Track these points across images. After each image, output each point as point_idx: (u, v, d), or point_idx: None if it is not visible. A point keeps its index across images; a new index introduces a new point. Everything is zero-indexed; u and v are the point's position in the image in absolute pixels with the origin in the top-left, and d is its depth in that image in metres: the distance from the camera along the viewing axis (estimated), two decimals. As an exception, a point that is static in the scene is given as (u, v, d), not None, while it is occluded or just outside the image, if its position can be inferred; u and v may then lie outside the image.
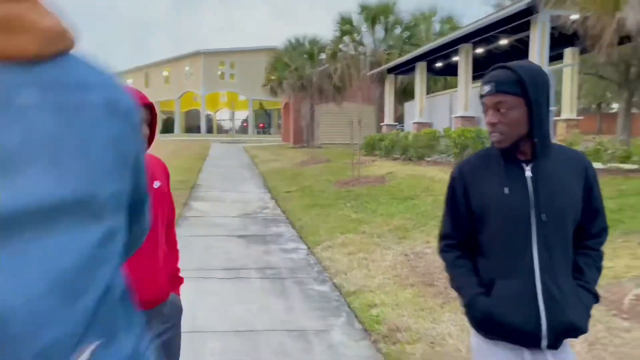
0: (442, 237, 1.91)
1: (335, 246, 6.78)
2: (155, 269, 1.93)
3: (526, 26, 12.83)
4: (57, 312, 0.67)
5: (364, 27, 24.77)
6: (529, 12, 11.67)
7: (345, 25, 24.63)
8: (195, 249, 6.65)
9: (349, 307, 4.65)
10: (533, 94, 1.65)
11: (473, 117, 15.85)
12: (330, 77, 25.56)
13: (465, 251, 1.86)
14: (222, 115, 70.66)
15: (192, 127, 58.32)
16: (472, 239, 1.85)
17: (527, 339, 1.67)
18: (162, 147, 25.54)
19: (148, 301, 1.87)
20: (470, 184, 1.80)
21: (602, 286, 1.53)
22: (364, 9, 24.13)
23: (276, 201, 11.17)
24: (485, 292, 1.77)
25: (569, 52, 14.73)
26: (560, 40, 13.06)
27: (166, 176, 2.08)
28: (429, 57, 18.37)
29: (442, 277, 5.24)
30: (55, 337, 0.66)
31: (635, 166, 10.30)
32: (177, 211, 3.01)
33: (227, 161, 20.64)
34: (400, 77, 23.48)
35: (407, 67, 20.36)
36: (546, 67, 11.64)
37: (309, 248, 6.94)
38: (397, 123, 23.65)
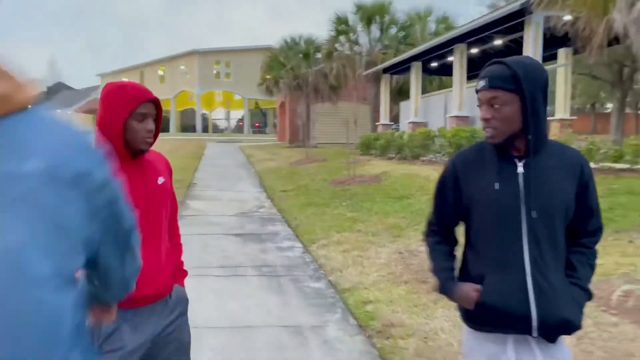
0: (429, 223, 1.96)
1: (331, 244, 6.87)
2: (157, 265, 1.95)
3: (520, 27, 12.95)
4: None
5: (359, 27, 24.79)
6: (522, 13, 11.79)
7: (341, 25, 24.67)
8: (192, 247, 6.72)
9: (344, 303, 4.74)
10: (528, 90, 1.63)
11: (467, 117, 15.96)
12: (325, 77, 25.61)
13: (446, 238, 1.91)
14: (217, 115, 70.62)
15: (187, 127, 58.27)
16: (452, 231, 1.92)
17: (517, 324, 1.66)
18: (158, 146, 25.33)
19: (149, 296, 1.91)
20: (462, 177, 1.80)
21: (592, 283, 1.59)
22: (359, 8, 24.17)
23: (272, 200, 11.25)
24: (457, 277, 1.84)
25: (562, 53, 14.85)
26: (554, 40, 13.17)
27: (169, 172, 2.10)
28: (424, 57, 18.47)
29: (435, 274, 5.33)
30: None
31: (627, 165, 10.44)
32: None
33: (223, 160, 20.69)
34: (395, 76, 23.57)
35: (402, 67, 20.46)
36: (539, 68, 11.74)
37: (304, 246, 7.03)
38: (392, 123, 23.73)
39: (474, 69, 18.21)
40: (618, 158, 10.59)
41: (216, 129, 66.86)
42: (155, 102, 1.92)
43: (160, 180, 2.00)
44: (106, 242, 0.94)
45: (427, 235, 1.96)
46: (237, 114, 67.24)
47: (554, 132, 13.86)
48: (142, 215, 1.85)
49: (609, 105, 42.69)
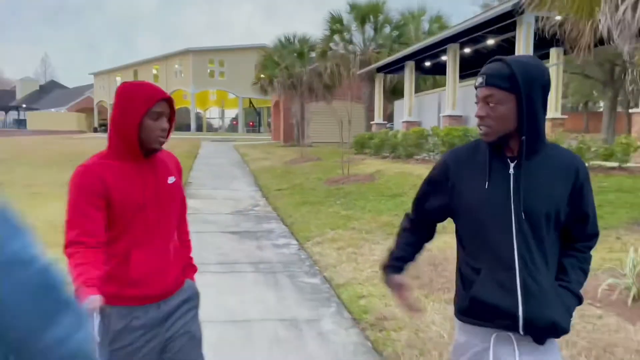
0: (411, 209, 1.99)
1: (325, 241, 6.99)
2: (165, 263, 1.97)
3: (512, 26, 13.12)
4: None
5: (353, 26, 24.91)
6: (514, 13, 11.94)
7: (335, 24, 24.78)
8: (189, 244, 6.83)
9: (339, 298, 4.87)
10: (525, 90, 1.61)
11: (460, 116, 16.13)
12: (320, 76, 25.73)
13: (418, 228, 1.95)
14: (211, 114, 70.62)
15: (181, 125, 58.27)
16: (428, 225, 1.96)
17: (504, 319, 1.66)
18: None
19: (158, 294, 1.94)
20: (454, 175, 1.79)
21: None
22: (353, 8, 24.29)
23: (267, 199, 11.37)
24: (398, 268, 1.92)
25: (554, 52, 15.02)
26: (547, 40, 13.35)
27: (179, 171, 2.12)
28: (418, 56, 18.62)
29: (427, 270, 5.48)
30: None
31: (616, 164, 10.63)
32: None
33: (217, 159, 20.77)
34: (389, 76, 23.72)
35: (396, 66, 20.60)
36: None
37: (299, 243, 7.15)
38: (386, 122, 23.90)
39: (467, 68, 18.40)
40: (608, 156, 10.78)
41: (210, 128, 66.88)
42: (170, 102, 1.93)
43: (171, 179, 2.02)
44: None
45: (403, 219, 2.01)
46: (231, 113, 67.32)
47: (547, 132, 14.05)
48: (152, 214, 1.91)
49: (602, 104, 43.06)
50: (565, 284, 1.70)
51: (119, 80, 61.96)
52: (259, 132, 61.53)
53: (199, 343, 2.15)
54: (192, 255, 2.26)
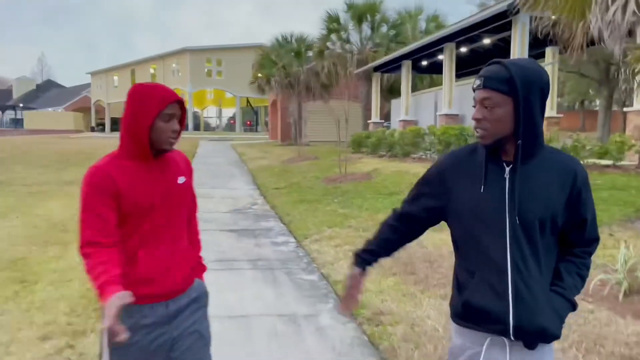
0: (401, 205, 1.96)
1: (323, 239, 7.08)
2: (174, 262, 1.98)
3: (508, 26, 13.21)
4: None
5: (350, 25, 24.99)
6: (509, 13, 12.03)
7: (332, 24, 24.86)
8: (188, 242, 6.91)
9: (336, 294, 4.95)
10: (523, 93, 1.60)
11: (457, 115, 16.23)
12: (317, 75, 25.78)
13: (402, 225, 1.92)
14: (209, 113, 70.59)
15: (179, 125, 58.19)
16: (414, 224, 1.90)
17: (495, 325, 1.66)
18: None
19: (166, 292, 1.95)
20: (450, 177, 1.78)
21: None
22: (350, 7, 24.37)
23: (265, 197, 11.45)
24: (368, 261, 1.92)
25: (549, 51, 15.15)
26: (543, 39, 13.46)
27: (189, 171, 2.13)
28: (415, 55, 18.70)
29: (422, 267, 5.57)
30: None
31: (611, 162, 10.74)
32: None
33: (215, 159, 20.83)
34: (386, 75, 23.81)
35: (393, 65, 20.68)
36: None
37: (297, 241, 7.24)
38: (383, 121, 23.98)
39: (463, 67, 18.50)
40: (603, 155, 10.90)
41: (208, 127, 66.85)
42: (181, 104, 1.95)
43: (181, 179, 2.03)
44: None
45: (390, 214, 1.98)
46: (228, 112, 67.27)
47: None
48: (161, 213, 1.94)
49: (598, 103, 43.23)
50: (559, 290, 1.69)
51: (116, 79, 61.93)
52: (256, 131, 61.54)
53: (207, 342, 2.14)
54: (201, 254, 2.27)
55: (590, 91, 40.89)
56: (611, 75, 24.28)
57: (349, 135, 17.48)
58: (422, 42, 17.42)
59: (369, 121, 23.78)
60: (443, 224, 1.96)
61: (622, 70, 6.84)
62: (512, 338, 1.65)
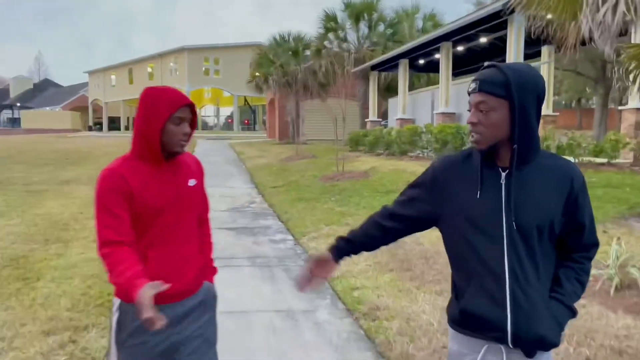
0: (392, 204, 1.96)
1: (321, 237, 7.17)
2: (183, 264, 2.00)
3: (504, 25, 13.29)
4: None
5: (348, 24, 25.08)
6: (502, 13, 12.12)
7: (330, 22, 24.93)
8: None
9: (333, 290, 5.04)
10: (518, 98, 1.58)
11: (454, 114, 16.31)
12: (314, 74, 25.86)
13: (387, 224, 1.91)
14: (207, 112, 70.58)
15: (177, 124, 58.19)
16: (400, 223, 1.90)
17: (493, 332, 1.64)
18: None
19: (174, 294, 1.94)
20: (443, 184, 1.76)
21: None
22: (348, 6, 24.44)
23: (263, 196, 11.53)
24: (344, 251, 1.95)
25: (545, 50, 15.25)
26: (538, 38, 13.56)
27: (201, 174, 2.16)
28: (412, 54, 18.78)
29: (418, 263, 5.66)
30: None
31: (606, 160, 10.84)
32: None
33: (213, 157, 20.89)
34: (384, 73, 23.87)
35: (390, 64, 20.75)
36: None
37: (295, 239, 7.32)
38: (381, 119, 24.07)
39: (460, 66, 18.60)
40: (598, 153, 10.99)
41: (205, 126, 66.83)
42: (192, 107, 1.98)
43: (192, 182, 2.06)
44: None
45: (380, 210, 1.97)
46: (226, 111, 67.32)
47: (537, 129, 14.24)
48: (172, 215, 1.97)
49: (595, 101, 43.35)
50: (558, 297, 1.66)
51: (113, 78, 61.86)
52: (254, 130, 61.59)
53: (212, 347, 2.14)
54: (212, 257, 2.29)
55: (587, 89, 41.02)
56: (607, 74, 24.40)
57: (346, 133, 17.58)
58: (419, 41, 17.50)
59: (366, 120, 23.86)
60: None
61: (616, 69, 6.93)
62: (511, 346, 1.63)
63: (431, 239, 6.30)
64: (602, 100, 23.58)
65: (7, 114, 67.11)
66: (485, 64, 1.74)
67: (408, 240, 6.44)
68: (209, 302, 2.13)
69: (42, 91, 77.71)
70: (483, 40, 16.13)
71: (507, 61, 12.40)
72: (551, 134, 11.33)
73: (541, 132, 13.07)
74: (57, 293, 4.82)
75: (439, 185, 1.77)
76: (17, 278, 5.29)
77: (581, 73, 28.43)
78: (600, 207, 7.43)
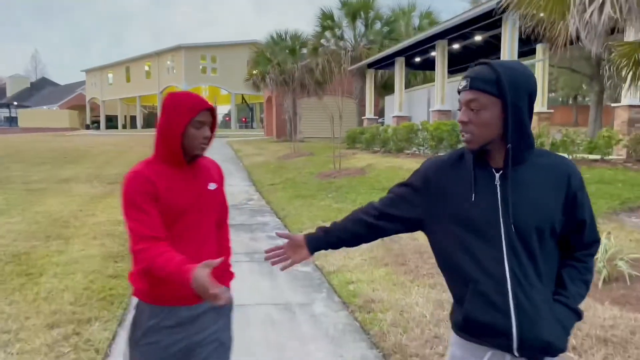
0: (379, 200, 1.87)
1: (317, 233, 7.28)
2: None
3: (499, 23, 13.43)
4: None
5: (344, 23, 25.16)
6: (493, 13, 12.24)
7: (327, 21, 25.02)
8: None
9: (329, 284, 5.17)
10: (511, 96, 1.53)
11: (449, 111, 16.45)
12: (311, 72, 25.94)
13: (374, 219, 1.82)
14: (204, 110, 70.47)
15: (174, 122, 58.15)
16: (385, 221, 1.81)
17: (498, 339, 1.58)
18: (146, 142, 25.83)
19: (190, 296, 1.87)
20: (435, 187, 1.70)
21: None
22: (344, 4, 24.54)
23: (261, 193, 11.65)
24: (322, 241, 1.89)
25: (540, 48, 15.38)
26: (533, 36, 13.68)
27: (221, 178, 2.20)
28: (408, 52, 18.91)
29: (413, 258, 5.79)
30: None
31: (599, 156, 10.98)
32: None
33: (211, 155, 20.59)
34: (380, 71, 24.01)
35: (387, 62, 20.88)
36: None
37: (292, 235, 7.43)
38: (377, 117, 24.19)
39: (455, 64, 18.72)
40: (592, 149, 11.13)
41: (203, 124, 66.79)
42: (212, 111, 2.02)
43: (212, 186, 2.10)
44: None
45: (367, 205, 1.89)
46: (223, 109, 67.29)
47: (532, 126, 14.40)
48: (191, 217, 2.00)
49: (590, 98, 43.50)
50: (562, 299, 1.60)
51: (110, 77, 61.86)
52: (251, 128, 61.66)
53: (228, 351, 2.16)
54: (230, 262, 2.31)
55: (583, 86, 41.18)
56: (602, 71, 24.52)
57: (343, 131, 17.68)
58: (415, 39, 17.62)
59: (363, 117, 23.99)
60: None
61: (607, 67, 7.05)
62: (517, 354, 1.57)
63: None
64: (597, 98, 23.68)
65: (4, 113, 67.00)
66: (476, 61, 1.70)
67: (403, 236, 6.57)
68: (225, 307, 2.11)
69: (39, 90, 77.65)
70: (478, 38, 16.27)
71: (502, 59, 12.51)
72: (545, 131, 11.47)
73: (535, 129, 13.21)
74: (59, 288, 4.94)
75: (431, 188, 1.71)
76: (20, 274, 5.40)
77: (576, 70, 28.58)
78: (592, 203, 7.40)
